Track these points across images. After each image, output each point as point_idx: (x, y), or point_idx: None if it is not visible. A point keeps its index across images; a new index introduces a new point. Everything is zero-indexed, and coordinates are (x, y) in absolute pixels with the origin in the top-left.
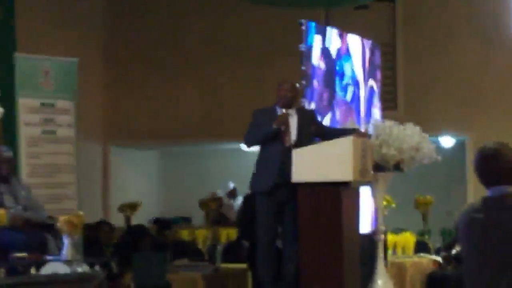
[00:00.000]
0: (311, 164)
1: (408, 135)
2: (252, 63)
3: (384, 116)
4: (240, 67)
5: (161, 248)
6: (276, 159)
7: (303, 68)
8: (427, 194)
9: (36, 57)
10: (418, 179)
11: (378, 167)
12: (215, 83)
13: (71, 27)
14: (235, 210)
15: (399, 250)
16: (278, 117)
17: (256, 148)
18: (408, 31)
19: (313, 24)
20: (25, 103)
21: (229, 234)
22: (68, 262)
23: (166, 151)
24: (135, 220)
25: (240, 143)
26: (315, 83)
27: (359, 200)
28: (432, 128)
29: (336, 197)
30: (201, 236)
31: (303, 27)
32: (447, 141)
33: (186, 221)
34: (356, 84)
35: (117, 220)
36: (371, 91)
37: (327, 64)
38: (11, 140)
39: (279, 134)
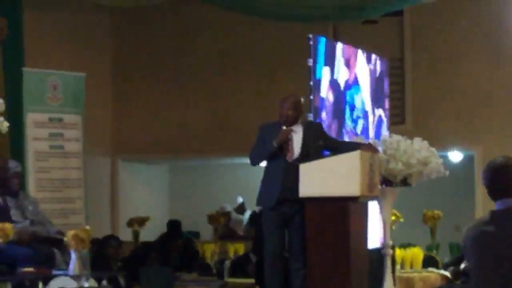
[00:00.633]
0: (319, 179)
1: (416, 149)
2: (260, 76)
3: (392, 131)
4: (248, 80)
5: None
6: (278, 175)
7: (310, 83)
8: (435, 208)
9: (44, 71)
10: (426, 194)
11: (386, 182)
12: (223, 97)
13: (79, 42)
14: (244, 225)
15: (407, 265)
16: (280, 134)
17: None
18: (417, 46)
19: (324, 39)
20: (33, 118)
21: (237, 248)
22: (75, 277)
23: (174, 165)
24: (144, 235)
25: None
26: (324, 115)
27: (367, 215)
28: (440, 142)
29: (344, 212)
30: (209, 251)
31: (311, 42)
32: (455, 156)
33: (194, 235)
34: (365, 116)
35: (126, 234)
36: (379, 120)
37: (335, 95)
38: (19, 154)
39: (282, 151)
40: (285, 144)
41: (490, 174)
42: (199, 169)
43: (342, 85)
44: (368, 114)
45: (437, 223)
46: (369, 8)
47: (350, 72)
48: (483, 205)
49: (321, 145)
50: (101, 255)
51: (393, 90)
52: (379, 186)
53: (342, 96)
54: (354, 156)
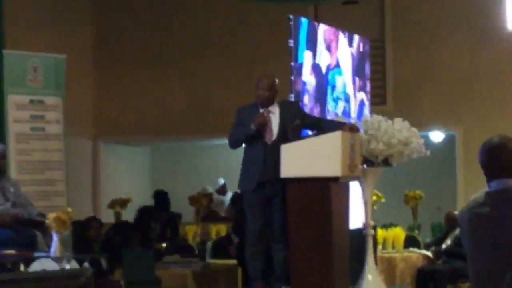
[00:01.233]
0: (300, 160)
1: (396, 129)
2: (240, 58)
3: (373, 111)
4: (228, 63)
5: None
6: (258, 157)
7: (291, 63)
8: (417, 189)
9: (25, 53)
10: (408, 174)
11: (367, 162)
12: (203, 79)
13: (60, 24)
14: (225, 206)
15: (389, 245)
16: (256, 117)
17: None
18: (397, 26)
19: (306, 20)
20: (13, 100)
21: (219, 230)
22: (57, 259)
23: (155, 147)
24: (125, 216)
25: None
26: (306, 98)
27: (348, 195)
28: (421, 123)
29: (325, 192)
30: (191, 232)
31: (291, 23)
32: (436, 136)
33: (176, 217)
34: (346, 99)
35: (107, 216)
36: (361, 103)
37: (317, 79)
38: (0, 137)
39: (260, 133)
40: (263, 126)
41: (486, 154)
42: (180, 150)
43: (324, 69)
44: (349, 97)
45: (418, 204)
46: None
47: (332, 56)
48: (465, 185)
49: (298, 124)
50: (83, 237)
51: (374, 70)
52: (360, 167)
53: (324, 79)
54: (335, 137)
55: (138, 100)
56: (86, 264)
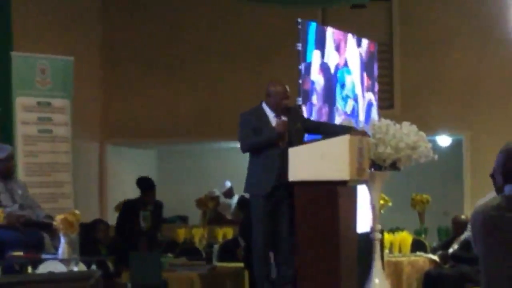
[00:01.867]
0: (308, 163)
1: (404, 134)
2: (249, 62)
3: (380, 115)
4: (237, 66)
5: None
6: (275, 162)
7: (299, 67)
8: (424, 193)
9: (33, 55)
10: (415, 178)
11: (375, 166)
12: (212, 82)
13: (68, 26)
14: (232, 209)
15: (395, 249)
16: (281, 125)
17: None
18: (405, 30)
19: (314, 24)
20: (21, 102)
21: (225, 233)
22: (64, 261)
23: (162, 150)
24: None
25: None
26: (314, 98)
27: (356, 199)
28: (429, 127)
29: (333, 196)
30: (198, 235)
31: (300, 26)
32: (443, 140)
33: (182, 220)
34: (355, 99)
35: (114, 219)
36: (369, 104)
37: (326, 79)
38: (7, 138)
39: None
40: (284, 134)
41: (503, 157)
42: (187, 153)
43: (332, 69)
44: (358, 97)
45: (425, 208)
46: None
47: (340, 56)
48: (472, 189)
49: (300, 128)
50: (90, 239)
51: (382, 74)
52: (368, 170)
53: (333, 78)
54: (343, 140)
55: (145, 102)
56: (93, 267)
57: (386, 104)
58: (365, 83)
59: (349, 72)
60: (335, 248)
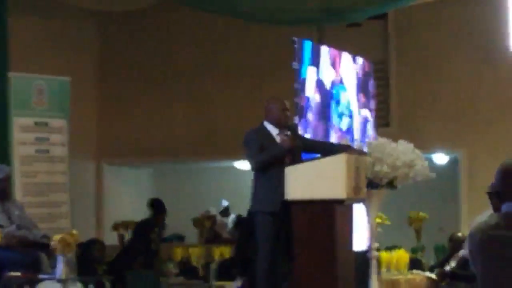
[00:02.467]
0: (304, 182)
1: (401, 152)
2: (245, 81)
3: (377, 133)
4: (233, 85)
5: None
6: (281, 178)
7: (295, 85)
8: (420, 211)
9: (30, 76)
10: (411, 196)
11: (372, 184)
12: (208, 101)
13: (64, 47)
14: (229, 228)
15: (392, 267)
16: (287, 140)
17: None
18: (401, 48)
19: (309, 43)
20: (18, 122)
21: (222, 252)
22: (62, 281)
23: (159, 169)
24: (129, 238)
25: (233, 161)
26: (310, 115)
27: (352, 217)
28: (425, 145)
29: (330, 214)
30: (195, 254)
31: (296, 45)
32: (440, 158)
33: (179, 239)
34: (350, 116)
35: (111, 238)
36: (364, 120)
37: (321, 95)
38: (4, 159)
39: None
40: (291, 148)
41: (500, 176)
42: (183, 173)
43: (328, 85)
44: (353, 114)
45: (422, 225)
46: (354, 11)
47: (336, 72)
48: (468, 206)
49: (300, 145)
50: (86, 258)
51: (378, 92)
52: (365, 189)
53: (328, 95)
54: (339, 159)
55: (141, 122)
56: (90, 286)
57: (382, 122)
58: (361, 100)
59: (344, 89)
60: (332, 267)
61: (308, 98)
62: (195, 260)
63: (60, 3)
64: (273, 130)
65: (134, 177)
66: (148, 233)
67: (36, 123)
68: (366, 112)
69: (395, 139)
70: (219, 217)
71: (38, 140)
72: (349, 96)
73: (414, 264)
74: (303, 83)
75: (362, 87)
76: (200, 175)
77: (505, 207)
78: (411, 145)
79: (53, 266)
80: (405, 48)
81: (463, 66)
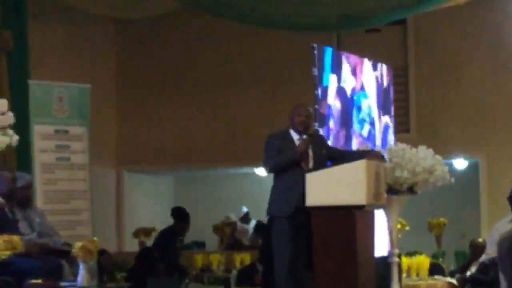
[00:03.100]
0: (325, 188)
1: (421, 157)
2: (264, 87)
3: (397, 139)
4: (252, 91)
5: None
6: (298, 183)
7: (315, 92)
8: (441, 216)
9: (50, 84)
10: (431, 202)
11: (392, 190)
12: (227, 108)
13: (84, 54)
14: (249, 235)
15: (413, 273)
16: (302, 143)
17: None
18: (420, 54)
19: (330, 49)
20: (39, 130)
21: (243, 258)
22: None
23: (179, 176)
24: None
25: (253, 167)
26: (331, 123)
27: (373, 223)
28: (445, 150)
29: (350, 220)
30: (215, 261)
31: (315, 51)
32: (460, 163)
33: (200, 246)
34: (371, 122)
35: (132, 245)
36: (385, 126)
37: (343, 103)
38: (26, 166)
39: (301, 159)
40: (305, 151)
41: None
42: (203, 179)
43: (349, 92)
44: (374, 121)
45: (442, 231)
46: (373, 17)
47: (357, 79)
48: (488, 212)
49: (325, 154)
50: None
51: (397, 98)
52: (385, 195)
53: (350, 102)
54: (360, 165)
55: (161, 129)
56: None
57: (402, 128)
58: (381, 107)
59: (365, 96)
60: (353, 273)
61: (329, 106)
62: (216, 266)
63: (80, 10)
64: (295, 136)
65: (154, 184)
66: (171, 241)
67: (56, 131)
68: (386, 119)
69: (414, 144)
70: (239, 224)
71: (59, 148)
72: (370, 102)
73: (435, 269)
74: (324, 90)
75: (382, 94)
76: (220, 181)
77: None
78: (431, 151)
79: (75, 274)
80: (424, 54)
81: (483, 71)
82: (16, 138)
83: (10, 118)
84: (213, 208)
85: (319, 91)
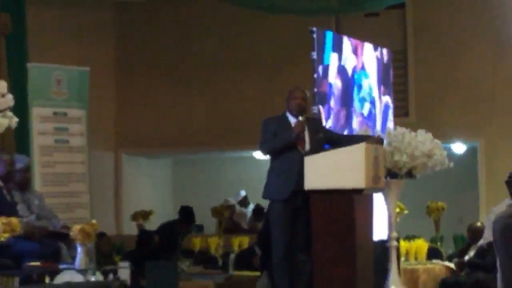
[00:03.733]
0: (324, 171)
1: (420, 141)
2: (262, 71)
3: (396, 123)
4: (251, 74)
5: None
6: (294, 166)
7: (314, 75)
8: (439, 200)
9: (49, 66)
10: (430, 186)
11: (391, 174)
12: (225, 91)
13: (82, 37)
14: (247, 218)
15: (411, 257)
16: (297, 125)
17: (267, 156)
18: (419, 38)
19: (331, 33)
20: (38, 112)
21: (241, 241)
22: (82, 271)
23: (177, 159)
24: (148, 228)
25: (251, 151)
26: (332, 102)
27: (372, 207)
28: (443, 134)
29: (349, 204)
30: (214, 244)
31: (314, 35)
32: (458, 148)
33: (198, 229)
34: (372, 102)
35: (130, 228)
36: (385, 107)
37: (343, 82)
38: (24, 149)
39: (295, 142)
40: (301, 134)
41: None
42: (202, 162)
43: (350, 72)
44: (375, 100)
45: (441, 215)
46: (371, 0)
47: (358, 59)
48: (487, 196)
49: (322, 137)
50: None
51: (396, 82)
52: (384, 179)
53: (350, 81)
54: (359, 148)
55: (159, 112)
56: (111, 276)
57: (401, 112)
58: (382, 87)
59: (366, 76)
60: (351, 256)
61: (330, 85)
62: (214, 250)
63: None
64: (292, 119)
65: (153, 167)
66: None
67: (55, 113)
68: (387, 99)
69: (413, 128)
70: (237, 207)
71: (57, 130)
72: (371, 82)
73: (433, 253)
74: (326, 69)
75: (383, 74)
76: (218, 165)
77: None
78: (430, 135)
79: (73, 256)
80: (423, 38)
81: (482, 55)
82: (15, 120)
83: (9, 100)
84: (211, 192)
85: (320, 70)
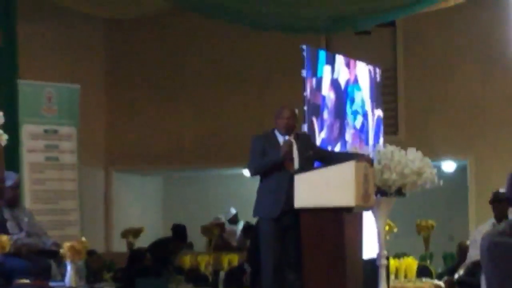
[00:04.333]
0: (313, 190)
1: (409, 159)
2: (253, 87)
3: (385, 141)
4: (241, 92)
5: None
6: (283, 186)
7: (304, 93)
8: (429, 218)
9: (39, 83)
10: (420, 204)
11: (380, 192)
12: (216, 108)
13: (73, 54)
14: (237, 236)
15: (401, 275)
16: (284, 145)
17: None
18: (409, 56)
19: (324, 52)
20: (28, 130)
21: (231, 259)
22: None
23: (168, 176)
24: (138, 245)
25: (242, 168)
26: (325, 114)
27: (361, 225)
28: (433, 152)
29: (339, 222)
30: (203, 262)
31: (304, 53)
32: (448, 166)
33: (188, 246)
34: (364, 115)
35: (120, 246)
36: (378, 120)
37: (337, 95)
38: (14, 166)
39: (284, 161)
40: (288, 154)
41: (510, 182)
42: (192, 180)
43: (343, 85)
44: (367, 114)
45: (430, 233)
46: (362, 19)
47: (350, 72)
48: (476, 214)
49: (311, 155)
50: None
51: (386, 100)
52: (374, 197)
53: (344, 94)
54: (348, 167)
55: (150, 129)
56: None
57: (390, 129)
58: (374, 101)
59: (359, 89)
60: (341, 275)
61: (323, 97)
62: (204, 267)
63: (69, 10)
64: (280, 137)
65: (143, 184)
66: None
67: (45, 131)
68: (379, 112)
69: (403, 146)
70: (227, 225)
71: (48, 148)
72: (364, 95)
73: (423, 271)
74: (319, 81)
75: (375, 88)
76: (208, 182)
77: None
78: (419, 153)
79: (63, 274)
80: (414, 56)
81: (472, 74)
82: (5, 137)
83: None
84: (201, 209)
85: (314, 82)
